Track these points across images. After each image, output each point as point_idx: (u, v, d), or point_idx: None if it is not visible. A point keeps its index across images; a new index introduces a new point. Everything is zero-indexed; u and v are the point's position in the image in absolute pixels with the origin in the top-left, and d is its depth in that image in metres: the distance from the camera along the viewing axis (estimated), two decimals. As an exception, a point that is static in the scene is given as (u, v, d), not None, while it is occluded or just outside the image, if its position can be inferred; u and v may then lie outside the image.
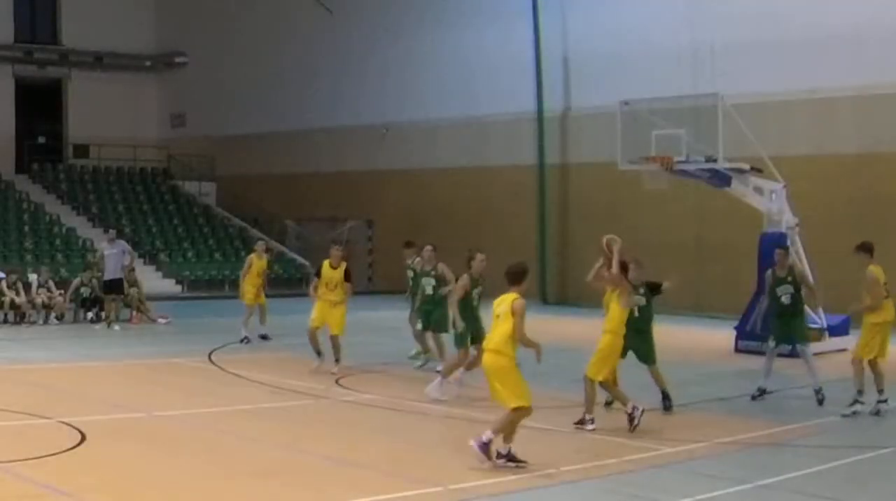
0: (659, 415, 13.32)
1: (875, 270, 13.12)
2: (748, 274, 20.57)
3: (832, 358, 18.58)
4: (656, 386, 13.18)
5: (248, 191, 39.96)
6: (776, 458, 10.86)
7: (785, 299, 14.59)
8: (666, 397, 13.13)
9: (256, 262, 21.27)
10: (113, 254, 23.38)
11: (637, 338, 12.82)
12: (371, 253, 36.76)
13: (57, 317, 23.61)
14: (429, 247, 16.56)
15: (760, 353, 19.10)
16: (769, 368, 14.52)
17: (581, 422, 11.96)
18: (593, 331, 16.02)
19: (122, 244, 24.62)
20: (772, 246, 19.98)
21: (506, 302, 10.08)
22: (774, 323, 14.85)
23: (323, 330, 16.34)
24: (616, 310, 11.95)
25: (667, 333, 13.51)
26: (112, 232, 25.69)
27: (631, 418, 11.77)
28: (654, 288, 13.21)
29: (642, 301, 12.99)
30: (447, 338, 15.93)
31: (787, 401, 14.84)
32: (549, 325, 26.24)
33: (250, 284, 20.97)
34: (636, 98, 22.33)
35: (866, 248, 13.31)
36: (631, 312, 12.54)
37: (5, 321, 23.07)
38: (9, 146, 40.19)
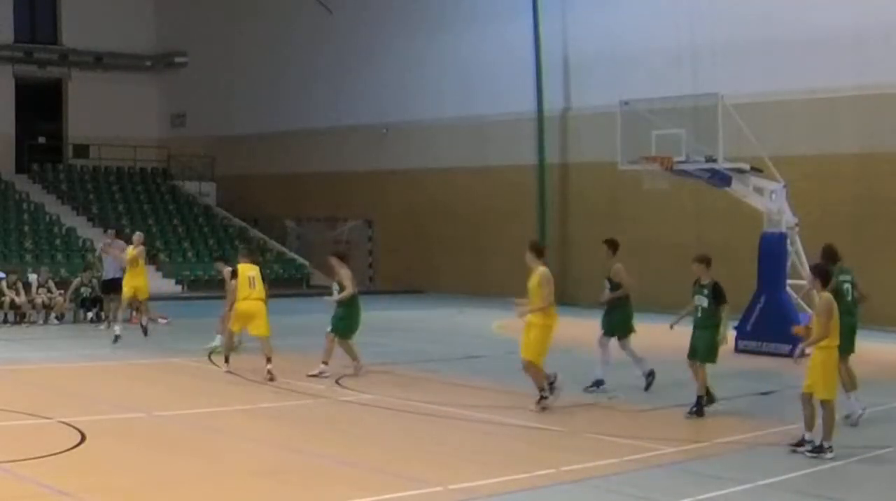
0: (658, 415, 13.33)
1: None
2: (748, 274, 20.53)
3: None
4: (695, 385, 13.04)
5: (248, 191, 39.99)
6: (776, 458, 10.84)
7: None
8: (701, 401, 12.86)
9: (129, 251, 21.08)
10: (112, 254, 23.36)
11: (694, 336, 13.02)
12: (371, 253, 36.78)
13: (57, 317, 23.58)
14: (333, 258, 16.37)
15: (759, 353, 19.19)
16: None
17: (799, 444, 10.89)
18: (593, 331, 16.06)
19: (121, 244, 24.57)
20: (772, 246, 20.02)
21: None
22: None
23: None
24: (816, 324, 10.96)
25: (667, 332, 13.50)
26: (111, 231, 25.65)
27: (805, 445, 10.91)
28: (717, 293, 13.02)
29: (704, 301, 13.01)
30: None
31: (787, 401, 14.82)
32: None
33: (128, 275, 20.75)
34: (636, 98, 22.30)
35: None
36: (694, 311, 13.03)
37: (5, 321, 23.04)
38: (9, 146, 40.21)
